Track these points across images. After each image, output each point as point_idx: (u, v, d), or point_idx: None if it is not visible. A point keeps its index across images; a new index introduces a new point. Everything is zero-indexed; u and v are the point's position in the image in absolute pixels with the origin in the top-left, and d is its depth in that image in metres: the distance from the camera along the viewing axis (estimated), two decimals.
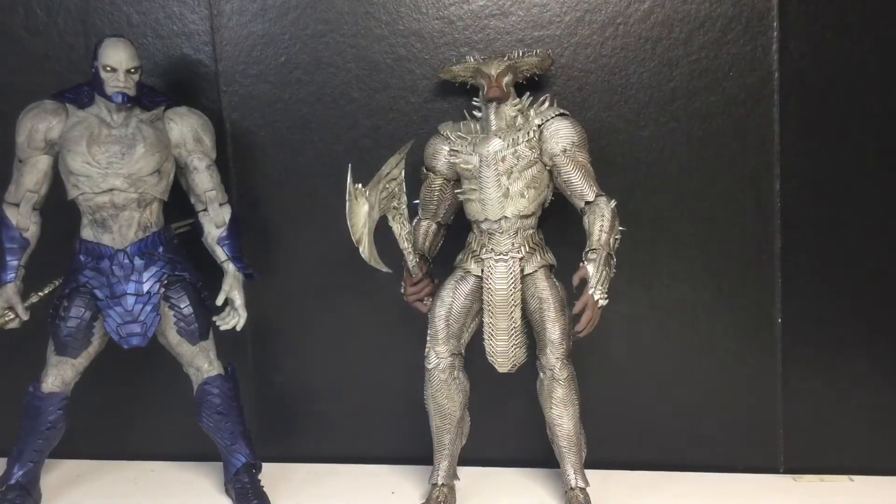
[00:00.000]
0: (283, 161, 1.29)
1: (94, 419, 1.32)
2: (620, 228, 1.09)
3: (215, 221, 1.19)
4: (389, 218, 1.12)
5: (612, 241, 1.07)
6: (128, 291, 1.13)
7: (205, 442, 1.20)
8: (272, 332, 1.31)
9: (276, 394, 1.32)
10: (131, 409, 1.37)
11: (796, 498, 1.18)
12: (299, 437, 1.19)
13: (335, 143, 1.28)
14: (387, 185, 1.09)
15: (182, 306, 1.16)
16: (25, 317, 1.15)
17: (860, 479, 1.22)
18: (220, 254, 1.19)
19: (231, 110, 1.17)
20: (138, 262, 1.13)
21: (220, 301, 1.19)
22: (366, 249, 1.08)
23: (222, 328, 1.19)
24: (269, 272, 1.28)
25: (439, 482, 1.19)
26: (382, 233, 1.10)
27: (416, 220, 1.20)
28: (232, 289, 1.18)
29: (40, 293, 1.19)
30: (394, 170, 1.10)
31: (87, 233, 1.14)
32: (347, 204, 1.04)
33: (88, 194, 1.10)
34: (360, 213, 1.06)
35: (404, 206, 1.12)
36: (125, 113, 1.13)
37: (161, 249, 1.15)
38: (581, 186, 1.10)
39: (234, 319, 1.18)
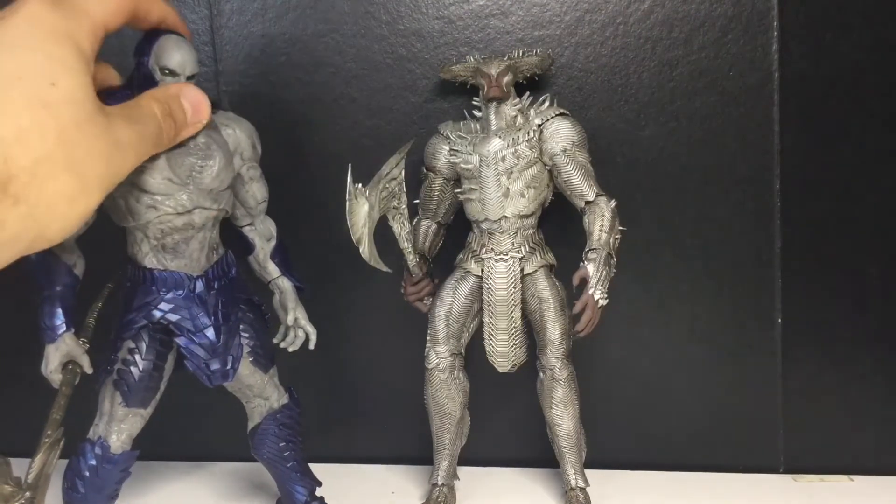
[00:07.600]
0: (283, 161, 1.29)
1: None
2: (620, 228, 1.09)
3: (264, 234, 1.10)
4: (389, 218, 1.12)
5: (612, 240, 1.07)
6: (209, 323, 0.98)
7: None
8: (271, 332, 1.30)
9: None
10: None
11: (796, 498, 1.18)
12: None
13: (335, 143, 1.28)
14: (387, 185, 1.09)
15: (254, 332, 1.05)
16: (90, 370, 0.98)
17: (860, 479, 1.22)
18: (273, 270, 1.09)
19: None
20: (216, 287, 1.00)
21: (290, 321, 1.09)
22: (366, 249, 1.07)
23: (290, 350, 1.10)
24: None
25: (439, 482, 1.19)
26: (382, 233, 1.10)
27: (416, 220, 1.20)
28: (298, 306, 1.10)
29: (94, 315, 1.02)
30: (394, 169, 1.10)
31: (151, 261, 0.97)
32: (347, 204, 1.04)
33: (167, 216, 0.94)
34: (360, 213, 1.06)
35: (404, 206, 1.12)
36: None
37: (234, 271, 1.04)
38: (581, 186, 1.09)
39: (301, 339, 1.10)
